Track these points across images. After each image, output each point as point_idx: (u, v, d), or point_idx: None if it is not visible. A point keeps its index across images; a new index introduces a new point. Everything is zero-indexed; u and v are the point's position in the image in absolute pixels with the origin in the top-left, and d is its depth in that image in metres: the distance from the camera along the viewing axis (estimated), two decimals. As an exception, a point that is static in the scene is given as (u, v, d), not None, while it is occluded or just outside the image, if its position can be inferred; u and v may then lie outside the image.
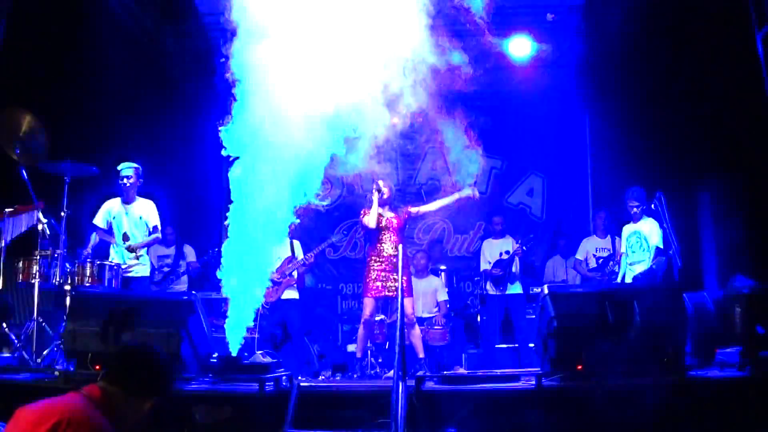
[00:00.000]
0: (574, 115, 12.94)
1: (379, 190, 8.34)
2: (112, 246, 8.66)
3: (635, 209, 9.18)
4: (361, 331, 8.36)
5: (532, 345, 8.88)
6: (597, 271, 10.11)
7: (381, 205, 8.35)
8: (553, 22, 10.94)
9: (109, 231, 8.64)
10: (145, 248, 8.74)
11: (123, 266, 8.31)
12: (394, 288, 7.96)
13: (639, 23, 10.15)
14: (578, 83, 12.55)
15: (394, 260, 7.87)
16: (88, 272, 7.83)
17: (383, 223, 8.29)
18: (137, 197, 8.75)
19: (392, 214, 8.39)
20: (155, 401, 3.51)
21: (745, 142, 9.28)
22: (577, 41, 11.11)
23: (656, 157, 10.86)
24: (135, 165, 8.69)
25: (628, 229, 9.37)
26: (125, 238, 8.61)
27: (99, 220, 8.64)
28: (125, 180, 8.60)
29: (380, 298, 8.24)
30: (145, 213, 8.69)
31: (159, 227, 8.76)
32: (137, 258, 8.56)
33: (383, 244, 8.27)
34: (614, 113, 11.96)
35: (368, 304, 8.18)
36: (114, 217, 8.64)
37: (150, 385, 3.49)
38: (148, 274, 8.85)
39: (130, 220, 8.65)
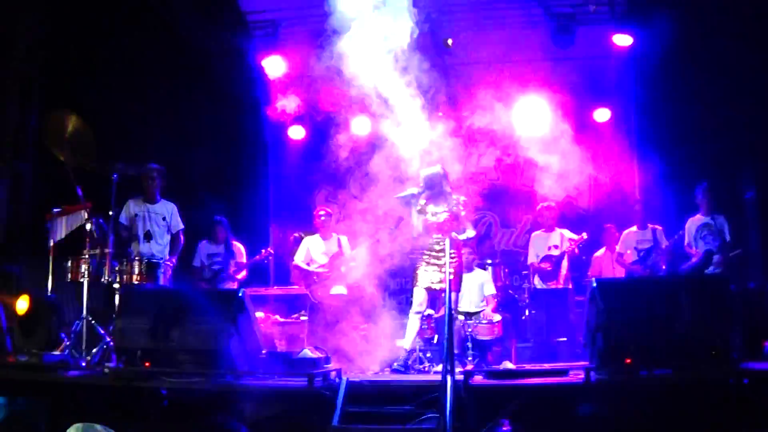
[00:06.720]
0: (621, 107, 12.77)
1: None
2: (134, 242, 8.76)
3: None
4: (409, 323, 8.04)
5: (581, 339, 8.78)
6: (638, 264, 9.94)
7: (424, 198, 7.88)
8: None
9: (130, 228, 8.76)
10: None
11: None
12: (439, 280, 7.72)
13: (686, 15, 10.01)
14: (623, 76, 12.42)
15: (442, 255, 7.58)
16: (136, 270, 7.93)
17: (430, 221, 7.86)
18: (160, 199, 8.92)
19: (443, 208, 7.86)
20: None
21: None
22: (622, 32, 10.98)
23: (702, 151, 10.72)
24: (159, 167, 8.87)
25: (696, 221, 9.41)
26: (148, 236, 8.73)
27: (123, 217, 8.72)
28: (149, 181, 8.78)
29: (428, 290, 7.86)
30: (167, 214, 8.89)
31: (183, 229, 9.00)
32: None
33: (431, 239, 7.89)
34: (660, 106, 11.81)
35: (416, 295, 7.91)
36: (136, 215, 8.77)
37: None
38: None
39: (153, 220, 8.80)
